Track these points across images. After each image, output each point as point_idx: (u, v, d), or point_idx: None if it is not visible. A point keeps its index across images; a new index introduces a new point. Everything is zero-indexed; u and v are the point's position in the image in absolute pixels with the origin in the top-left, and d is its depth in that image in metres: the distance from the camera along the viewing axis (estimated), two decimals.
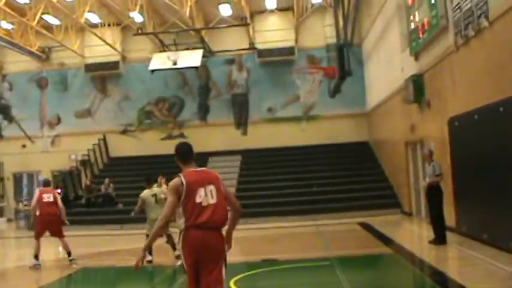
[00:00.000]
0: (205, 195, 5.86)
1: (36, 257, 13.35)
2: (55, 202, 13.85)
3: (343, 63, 19.87)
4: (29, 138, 32.33)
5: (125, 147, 31.18)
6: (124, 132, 31.69)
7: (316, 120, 30.04)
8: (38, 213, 13.72)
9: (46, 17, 27.81)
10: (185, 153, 6.21)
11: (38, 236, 13.60)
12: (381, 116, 25.58)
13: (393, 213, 22.11)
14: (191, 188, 5.83)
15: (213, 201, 5.87)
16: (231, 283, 8.65)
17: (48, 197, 13.77)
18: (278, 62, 30.17)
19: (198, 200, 5.83)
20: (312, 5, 29.35)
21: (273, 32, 30.27)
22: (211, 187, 5.91)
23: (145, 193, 13.45)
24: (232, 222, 6.20)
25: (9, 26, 28.35)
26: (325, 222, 21.07)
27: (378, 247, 14.61)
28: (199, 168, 6.15)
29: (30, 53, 30.38)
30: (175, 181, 5.92)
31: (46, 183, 14.84)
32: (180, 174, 5.97)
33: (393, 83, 21.47)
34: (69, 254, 13.74)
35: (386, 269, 12.13)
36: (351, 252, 14.10)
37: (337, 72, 20.65)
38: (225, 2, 27.53)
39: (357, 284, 10.38)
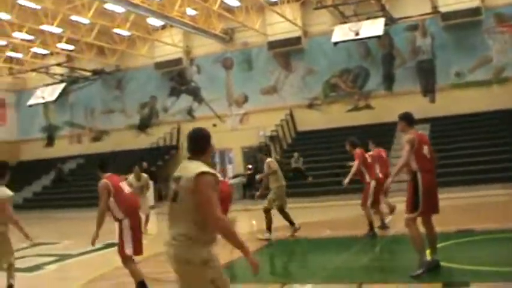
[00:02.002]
0: (428, 151, 8.61)
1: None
2: None
3: None
4: (219, 117, 33.82)
5: (311, 120, 31.56)
6: (310, 106, 32.05)
7: (509, 82, 28.30)
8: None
9: (227, 0, 28.78)
10: (412, 119, 8.90)
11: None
12: None
13: None
14: (420, 144, 8.56)
15: (429, 156, 8.64)
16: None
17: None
18: (463, 24, 28.64)
19: (424, 152, 8.57)
20: None
21: None
22: (427, 146, 8.68)
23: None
24: None
25: (193, 12, 29.77)
26: None
27: None
28: (419, 132, 8.96)
29: (214, 36, 31.70)
30: (412, 137, 8.57)
31: None
32: (413, 132, 8.70)
33: None
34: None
35: None
36: None
37: None
38: None
39: None
